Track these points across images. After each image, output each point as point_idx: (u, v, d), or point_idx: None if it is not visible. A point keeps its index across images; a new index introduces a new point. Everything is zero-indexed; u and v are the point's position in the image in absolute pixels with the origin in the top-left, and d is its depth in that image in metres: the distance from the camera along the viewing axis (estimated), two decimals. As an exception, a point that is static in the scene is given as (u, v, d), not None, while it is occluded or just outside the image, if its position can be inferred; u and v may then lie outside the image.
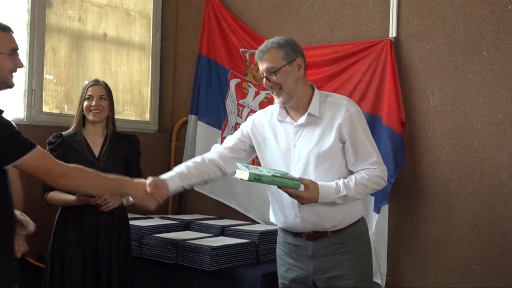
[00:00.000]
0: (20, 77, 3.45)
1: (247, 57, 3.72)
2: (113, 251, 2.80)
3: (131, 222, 3.16)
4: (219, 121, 3.85)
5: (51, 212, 2.88)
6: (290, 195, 2.19)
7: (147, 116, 4.20)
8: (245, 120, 3.66)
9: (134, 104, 4.14)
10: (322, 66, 3.41)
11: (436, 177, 3.02)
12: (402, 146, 3.05)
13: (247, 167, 2.16)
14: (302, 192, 2.17)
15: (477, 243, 2.89)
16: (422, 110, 3.07)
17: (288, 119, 2.37)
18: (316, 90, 2.37)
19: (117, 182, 2.26)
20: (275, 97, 2.35)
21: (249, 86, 3.70)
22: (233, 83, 3.77)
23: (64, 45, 3.70)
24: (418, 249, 3.06)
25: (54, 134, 2.87)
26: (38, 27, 3.49)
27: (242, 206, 3.75)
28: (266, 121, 2.45)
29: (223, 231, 3.26)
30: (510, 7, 2.84)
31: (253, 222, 3.61)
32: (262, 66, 2.32)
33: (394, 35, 3.15)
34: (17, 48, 2.06)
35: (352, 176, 2.27)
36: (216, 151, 2.50)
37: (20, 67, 2.09)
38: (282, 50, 2.30)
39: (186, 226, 3.40)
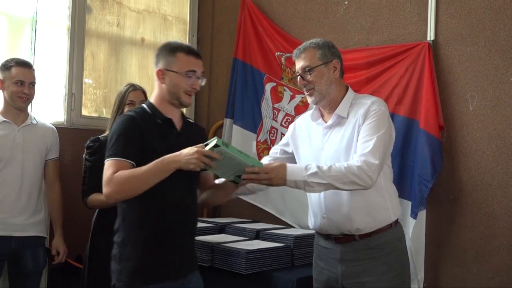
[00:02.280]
0: (60, 81, 3.58)
1: (282, 61, 3.76)
2: None
3: None
4: (255, 125, 3.89)
5: (89, 214, 2.97)
6: (258, 180, 2.15)
7: (182, 120, 4.27)
8: (281, 124, 3.73)
9: (170, 107, 4.22)
10: (359, 70, 3.43)
11: (475, 183, 2.99)
12: (440, 150, 3.04)
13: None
14: (266, 169, 2.12)
15: (518, 250, 2.85)
16: (461, 114, 3.06)
17: (320, 120, 2.42)
18: (349, 92, 2.39)
19: (155, 163, 2.08)
20: (307, 97, 2.39)
21: (285, 90, 3.74)
22: (268, 87, 3.82)
23: (103, 50, 3.82)
24: (457, 255, 3.04)
25: (92, 138, 2.92)
26: (78, 32, 3.62)
27: (277, 210, 3.78)
28: (304, 123, 2.51)
29: (258, 235, 3.30)
30: (553, 8, 2.81)
31: (288, 226, 3.64)
32: (298, 64, 2.37)
33: (432, 38, 3.15)
34: (194, 70, 2.20)
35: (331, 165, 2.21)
36: (262, 161, 2.59)
37: (196, 89, 2.23)
38: (319, 51, 2.35)
39: (221, 229, 3.45)
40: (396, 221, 2.36)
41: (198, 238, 3.14)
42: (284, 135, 3.67)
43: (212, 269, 2.98)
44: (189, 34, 4.30)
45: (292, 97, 3.71)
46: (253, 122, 3.89)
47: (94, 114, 3.75)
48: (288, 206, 3.68)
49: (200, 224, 3.44)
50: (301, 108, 3.66)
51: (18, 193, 2.86)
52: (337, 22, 3.60)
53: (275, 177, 2.15)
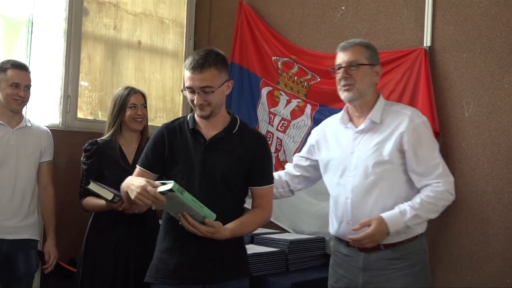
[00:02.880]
0: (56, 83, 3.60)
1: (279, 66, 3.79)
2: (144, 257, 2.87)
3: None
4: None
5: (83, 217, 2.99)
6: (361, 244, 2.23)
7: (179, 124, 4.28)
8: (276, 128, 3.75)
9: (166, 111, 4.25)
10: (355, 75, 3.45)
11: (470, 189, 3.02)
12: (435, 156, 3.06)
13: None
14: (368, 235, 2.17)
15: (511, 257, 2.87)
16: (456, 121, 3.08)
17: (349, 124, 2.42)
18: (381, 98, 2.40)
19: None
20: (343, 92, 2.35)
21: (281, 94, 3.76)
22: (265, 91, 3.84)
23: (99, 52, 3.84)
24: (451, 262, 3.06)
25: (90, 141, 2.94)
26: (75, 34, 3.64)
27: (273, 215, 3.78)
28: (331, 127, 2.51)
29: (252, 239, 3.31)
30: (548, 16, 2.84)
31: (283, 230, 3.66)
32: (344, 57, 2.35)
33: (428, 44, 3.18)
34: (189, 87, 2.17)
35: (417, 196, 2.26)
36: (286, 168, 2.64)
37: (191, 102, 2.20)
38: (368, 51, 2.37)
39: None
40: (422, 233, 2.35)
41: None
42: (279, 139, 3.72)
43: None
44: (186, 37, 4.32)
45: (288, 102, 3.73)
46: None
47: (90, 117, 3.77)
48: (284, 211, 3.70)
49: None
50: (297, 112, 3.68)
51: (11, 195, 2.87)
52: (334, 27, 3.63)
53: (380, 237, 2.20)
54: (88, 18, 3.77)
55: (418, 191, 2.31)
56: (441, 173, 2.27)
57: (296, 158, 2.64)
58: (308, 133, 3.55)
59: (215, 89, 2.16)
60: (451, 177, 2.30)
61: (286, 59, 3.75)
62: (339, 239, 2.44)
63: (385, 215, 2.21)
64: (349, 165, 2.35)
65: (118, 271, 2.81)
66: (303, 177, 2.61)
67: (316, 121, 3.60)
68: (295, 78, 3.71)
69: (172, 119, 4.18)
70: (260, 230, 3.54)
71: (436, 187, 2.25)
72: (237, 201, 2.28)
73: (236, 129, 2.27)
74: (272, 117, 3.78)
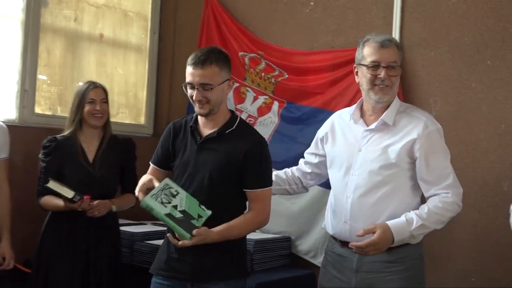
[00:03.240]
0: (12, 77, 3.49)
1: (246, 61, 3.76)
2: (102, 257, 2.83)
3: (122, 228, 3.19)
4: None
5: (39, 216, 2.91)
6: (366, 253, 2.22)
7: (142, 120, 4.23)
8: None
9: (129, 107, 4.17)
10: (323, 72, 3.46)
11: (437, 188, 3.05)
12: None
13: (155, 196, 2.18)
14: (372, 242, 2.15)
15: (477, 256, 2.92)
16: (424, 119, 3.11)
17: (361, 121, 2.38)
18: (396, 99, 2.37)
19: None
20: (376, 92, 2.29)
21: (248, 90, 3.74)
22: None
23: (59, 45, 3.73)
24: (418, 261, 3.09)
25: (49, 137, 2.87)
26: (33, 26, 3.54)
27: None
28: (339, 121, 2.49)
29: None
30: (515, 15, 2.89)
31: (249, 230, 3.63)
32: (386, 55, 2.27)
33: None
34: (189, 83, 2.24)
35: (424, 205, 2.25)
36: (299, 163, 2.63)
37: (191, 97, 2.26)
38: (399, 52, 2.34)
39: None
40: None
41: (155, 242, 3.12)
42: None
43: (169, 274, 2.94)
44: (150, 31, 4.25)
45: (255, 98, 3.71)
46: (214, 123, 3.86)
47: (48, 112, 3.66)
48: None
49: (154, 228, 3.43)
50: (264, 109, 3.66)
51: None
52: (302, 23, 3.62)
53: (384, 245, 2.19)
54: (47, 9, 3.66)
55: (422, 198, 2.31)
56: (451, 184, 2.26)
57: (306, 155, 2.62)
58: (276, 131, 3.55)
59: (214, 87, 2.20)
60: (461, 188, 2.29)
61: (253, 54, 3.73)
62: (334, 238, 2.41)
63: (390, 223, 2.19)
64: (354, 163, 2.32)
65: (76, 273, 2.75)
66: (315, 174, 2.59)
67: (283, 119, 3.59)
68: (262, 74, 3.69)
69: (135, 115, 4.21)
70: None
71: (445, 198, 2.24)
72: (231, 204, 2.27)
73: (233, 128, 2.29)
74: (239, 114, 3.74)
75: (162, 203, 2.15)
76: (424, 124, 2.28)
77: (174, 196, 2.17)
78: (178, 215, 2.14)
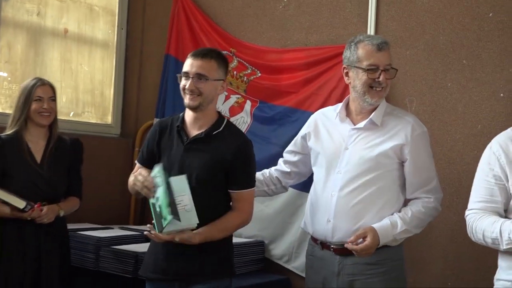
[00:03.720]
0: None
1: (217, 59, 3.72)
2: (52, 264, 2.78)
3: (88, 233, 3.16)
4: None
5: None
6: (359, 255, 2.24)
7: (109, 119, 4.16)
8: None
9: (96, 106, 4.11)
10: (297, 70, 3.45)
11: (412, 190, 3.05)
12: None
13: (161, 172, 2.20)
14: (364, 247, 2.18)
15: (453, 259, 2.93)
16: (399, 119, 3.11)
17: (347, 120, 2.41)
18: (383, 100, 2.41)
19: None
20: (372, 95, 2.33)
21: (219, 89, 3.69)
22: (202, 85, 3.77)
23: (20, 40, 3.65)
24: (393, 265, 3.09)
25: None
26: (-7, 20, 3.45)
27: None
28: (323, 119, 2.51)
29: None
30: (491, 14, 2.91)
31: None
32: (382, 59, 2.32)
33: (372, 40, 3.19)
34: (185, 72, 2.31)
35: (407, 209, 2.29)
36: (278, 164, 2.64)
37: (182, 89, 2.32)
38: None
39: (147, 237, 3.36)
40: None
41: (122, 247, 3.06)
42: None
43: (136, 281, 2.89)
44: (117, 26, 4.18)
45: (227, 98, 3.67)
46: (185, 123, 3.82)
47: (9, 111, 3.56)
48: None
49: (125, 232, 3.38)
50: (236, 109, 3.63)
51: None
52: (275, 19, 3.60)
53: (374, 249, 2.21)
54: (8, 3, 3.58)
55: (406, 200, 2.36)
56: (433, 188, 2.33)
57: (285, 154, 2.64)
58: (248, 131, 3.52)
59: (209, 80, 2.28)
60: (441, 193, 2.38)
61: (225, 52, 3.66)
62: (314, 241, 2.42)
63: (377, 226, 2.23)
64: (340, 161, 2.35)
65: (27, 278, 2.70)
66: (294, 173, 2.62)
67: (256, 118, 3.56)
68: (234, 72, 3.66)
69: (101, 114, 4.13)
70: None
71: (427, 203, 2.31)
72: (217, 204, 2.31)
73: (219, 129, 2.34)
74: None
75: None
76: (412, 127, 2.32)
77: (157, 187, 2.19)
78: (158, 209, 2.18)
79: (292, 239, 3.30)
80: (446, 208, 2.95)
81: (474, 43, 2.95)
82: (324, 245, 2.35)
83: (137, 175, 2.28)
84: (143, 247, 3.08)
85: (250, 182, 2.36)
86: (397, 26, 3.16)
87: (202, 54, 2.31)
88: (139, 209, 4.01)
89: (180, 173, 2.24)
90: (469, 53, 2.96)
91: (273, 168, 2.64)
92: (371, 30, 3.20)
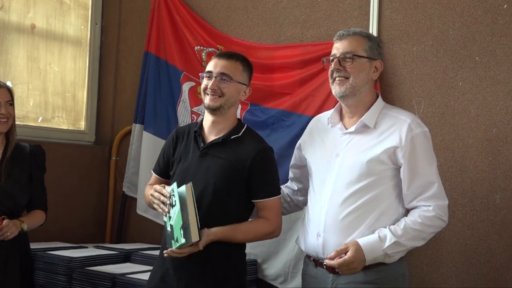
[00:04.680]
0: None
1: (203, 57, 3.73)
2: (14, 282, 2.77)
3: (58, 252, 3.16)
4: (169, 132, 3.76)
5: None
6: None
7: (82, 125, 4.17)
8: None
9: (67, 110, 4.11)
10: (291, 69, 3.45)
11: (421, 201, 3.07)
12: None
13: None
14: (345, 262, 2.19)
15: (467, 278, 2.93)
16: (406, 123, 3.13)
17: (339, 125, 2.44)
18: (379, 100, 2.44)
19: None
20: (334, 86, 2.40)
21: (205, 90, 3.71)
22: (186, 87, 3.78)
23: (-18, 37, 3.66)
24: (401, 285, 3.10)
25: None
26: (-50, 15, 3.44)
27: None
28: (318, 126, 2.56)
29: (128, 257, 3.32)
30: (506, 6, 2.93)
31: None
32: (339, 47, 2.39)
33: (374, 34, 3.21)
34: (208, 71, 2.47)
35: (401, 220, 2.28)
36: (289, 181, 2.69)
37: (204, 89, 2.47)
38: (369, 43, 2.41)
39: (126, 257, 3.37)
40: (403, 256, 2.34)
41: (97, 268, 3.06)
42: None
43: (113, 305, 2.90)
44: (91, 21, 4.20)
45: (213, 100, 3.68)
46: (167, 129, 3.83)
47: (-31, 116, 3.57)
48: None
49: (100, 251, 3.38)
50: (225, 112, 3.63)
51: None
52: (267, 13, 3.61)
53: (358, 265, 2.21)
54: (-32, -5, 3.59)
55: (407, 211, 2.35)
56: (433, 195, 2.29)
57: (290, 169, 2.70)
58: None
59: (233, 81, 2.42)
60: (445, 200, 2.33)
61: (212, 49, 3.71)
62: (308, 258, 2.44)
63: (362, 241, 2.22)
64: (331, 169, 2.36)
65: None
66: (301, 190, 2.67)
67: (247, 123, 3.55)
68: (222, 72, 3.66)
69: (73, 120, 4.13)
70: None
71: (425, 212, 2.27)
72: (234, 217, 2.40)
73: (239, 135, 2.46)
74: (195, 117, 3.72)
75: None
76: (408, 127, 2.31)
77: (172, 206, 2.29)
78: (168, 228, 2.30)
79: (288, 258, 3.29)
80: (459, 221, 2.97)
81: (487, 38, 2.96)
82: (317, 262, 2.36)
83: (153, 192, 2.39)
84: (121, 268, 3.09)
85: (274, 189, 2.45)
86: (402, 19, 3.17)
87: (228, 55, 2.48)
88: (116, 225, 4.00)
89: (196, 180, 2.34)
90: (482, 49, 2.97)
91: (283, 186, 2.69)
92: (373, 24, 3.22)
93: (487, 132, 2.94)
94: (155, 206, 2.39)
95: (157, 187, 2.40)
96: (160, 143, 3.82)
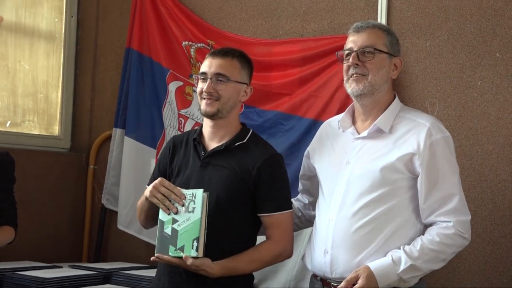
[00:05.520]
0: None
1: (192, 53, 3.74)
2: None
3: (29, 273, 3.15)
4: (154, 137, 3.84)
5: None
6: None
7: (56, 130, 4.17)
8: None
9: (39, 113, 4.10)
10: (290, 67, 3.46)
11: (436, 214, 3.06)
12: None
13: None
14: (357, 284, 2.18)
15: (488, 300, 2.93)
16: (418, 126, 3.13)
17: (351, 129, 2.43)
18: (396, 101, 2.42)
19: None
20: (350, 84, 2.37)
21: (194, 91, 3.70)
22: (173, 87, 3.79)
23: None
24: (414, 307, 3.08)
25: None
26: None
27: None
28: (328, 131, 2.55)
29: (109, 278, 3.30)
30: (529, -4, 2.94)
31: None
32: (358, 39, 2.37)
33: (383, 28, 3.21)
34: (203, 73, 2.44)
35: (418, 239, 2.24)
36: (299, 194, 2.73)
37: (199, 93, 2.44)
38: (389, 37, 2.40)
39: (106, 278, 3.35)
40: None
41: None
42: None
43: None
44: (66, 14, 4.20)
45: (204, 102, 3.68)
46: (151, 134, 3.85)
47: None
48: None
49: (77, 271, 3.37)
50: (216, 115, 3.63)
51: None
52: (263, 4, 3.61)
53: None
54: None
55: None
56: (454, 209, 2.25)
57: (300, 181, 2.69)
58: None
59: (230, 81, 2.40)
60: (468, 216, 2.28)
61: (201, 45, 3.71)
62: (314, 277, 2.43)
63: (374, 265, 2.20)
64: (340, 178, 2.34)
65: None
66: (312, 203, 2.65)
67: (240, 127, 3.56)
68: (213, 70, 3.66)
69: (46, 124, 4.11)
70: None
71: (444, 229, 2.23)
72: (239, 234, 2.39)
73: (244, 141, 2.45)
74: (183, 121, 3.72)
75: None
76: (427, 132, 2.28)
77: (189, 212, 2.27)
78: (167, 230, 2.28)
79: (288, 277, 3.27)
80: (478, 236, 2.95)
81: (509, 32, 2.96)
82: (325, 282, 2.35)
83: (159, 185, 2.35)
84: (100, 291, 3.07)
85: (283, 202, 2.42)
86: (414, 11, 3.17)
87: (223, 52, 2.44)
88: (94, 242, 3.98)
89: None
90: (503, 44, 2.97)
91: (293, 199, 2.67)
92: (381, 17, 3.21)
93: (509, 136, 2.94)
94: (157, 201, 2.33)
95: (166, 182, 2.35)
96: (143, 149, 3.85)
